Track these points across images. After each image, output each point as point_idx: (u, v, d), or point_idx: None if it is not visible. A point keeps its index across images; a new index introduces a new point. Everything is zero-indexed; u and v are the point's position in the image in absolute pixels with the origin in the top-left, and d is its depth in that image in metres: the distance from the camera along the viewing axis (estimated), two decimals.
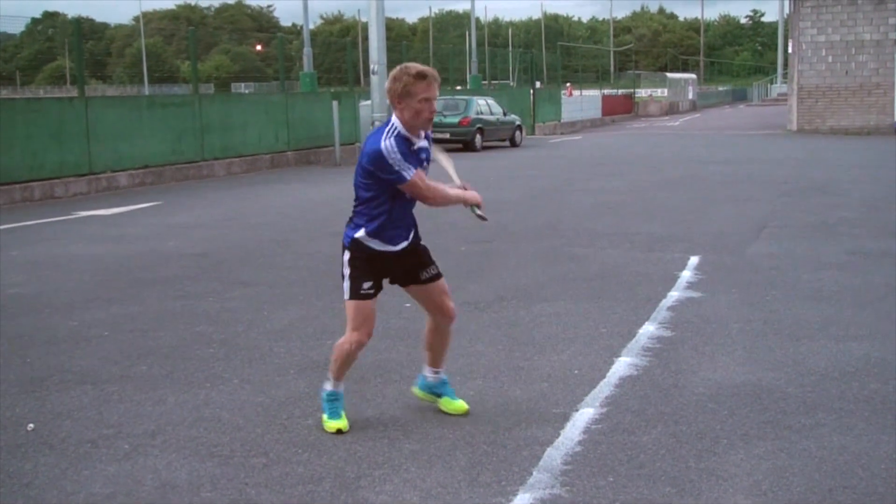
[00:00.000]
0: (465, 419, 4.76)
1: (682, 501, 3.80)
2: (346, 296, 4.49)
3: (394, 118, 4.35)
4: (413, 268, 4.63)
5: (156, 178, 17.97)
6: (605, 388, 5.26)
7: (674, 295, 7.56)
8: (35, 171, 15.60)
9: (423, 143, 4.47)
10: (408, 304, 7.07)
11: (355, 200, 4.48)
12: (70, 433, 4.66)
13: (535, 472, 4.09)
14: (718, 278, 8.19)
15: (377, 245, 4.45)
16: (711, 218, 12.01)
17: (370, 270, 4.47)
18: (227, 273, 8.79)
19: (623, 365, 5.68)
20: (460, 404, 4.85)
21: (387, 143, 4.25)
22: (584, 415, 4.82)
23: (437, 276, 4.71)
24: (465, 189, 4.64)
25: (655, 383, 5.33)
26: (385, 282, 4.63)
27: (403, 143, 4.31)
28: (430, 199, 4.42)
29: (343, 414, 4.65)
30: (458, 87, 36.32)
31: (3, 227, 12.21)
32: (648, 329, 6.50)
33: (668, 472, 4.09)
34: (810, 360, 5.75)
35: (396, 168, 4.25)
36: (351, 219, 4.51)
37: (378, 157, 4.25)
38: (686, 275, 8.35)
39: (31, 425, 4.77)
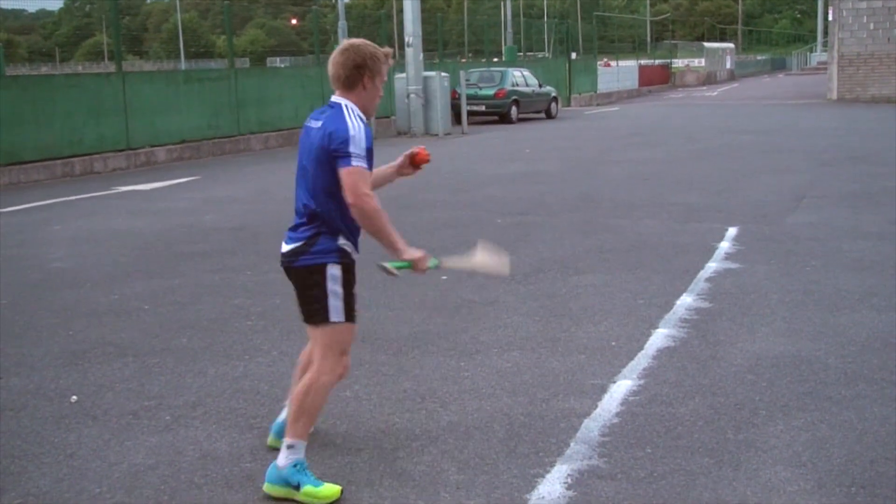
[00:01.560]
0: (503, 391, 4.77)
1: (721, 472, 3.79)
2: (339, 317, 3.71)
3: (344, 101, 3.74)
4: None
5: (193, 153, 18.08)
6: (642, 359, 5.24)
7: (712, 266, 7.50)
8: (75, 147, 15.75)
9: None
10: (444, 277, 7.09)
11: (314, 207, 3.75)
12: (112, 405, 4.73)
13: (572, 444, 4.10)
14: (757, 249, 8.12)
15: (353, 252, 3.79)
16: (750, 188, 11.89)
17: (353, 284, 3.80)
18: (263, 246, 8.84)
19: (660, 336, 5.66)
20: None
21: (355, 124, 3.64)
22: (622, 386, 4.81)
23: None
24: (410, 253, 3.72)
25: (693, 355, 5.30)
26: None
27: (366, 126, 3.71)
28: (364, 201, 3.56)
29: None
30: (495, 59, 36.12)
31: (45, 202, 12.36)
32: (686, 300, 6.47)
33: (707, 443, 4.08)
34: (851, 330, 5.70)
35: (351, 148, 3.58)
36: (317, 233, 3.74)
37: (344, 137, 3.59)
38: (724, 245, 8.29)
39: (75, 397, 4.84)
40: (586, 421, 4.35)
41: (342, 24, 28.12)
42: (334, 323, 3.70)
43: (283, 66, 48.96)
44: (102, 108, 16.31)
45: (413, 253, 3.71)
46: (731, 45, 73.62)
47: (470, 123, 23.68)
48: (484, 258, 4.04)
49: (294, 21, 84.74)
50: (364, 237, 3.75)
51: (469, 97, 24.12)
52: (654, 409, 4.49)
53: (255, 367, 5.28)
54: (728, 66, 65.18)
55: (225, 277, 7.56)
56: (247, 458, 4.04)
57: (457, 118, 23.29)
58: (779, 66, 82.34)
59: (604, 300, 6.56)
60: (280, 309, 6.48)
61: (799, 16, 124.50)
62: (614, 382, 4.88)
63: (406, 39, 21.69)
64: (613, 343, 5.56)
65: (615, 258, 7.93)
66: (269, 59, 66.08)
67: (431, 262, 3.81)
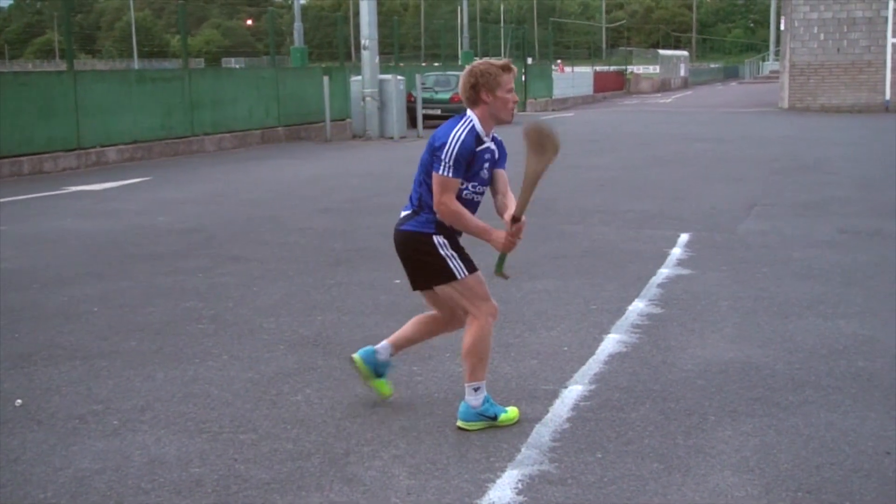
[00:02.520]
0: (456, 395, 4.76)
1: (670, 478, 3.82)
2: (462, 274, 4.27)
3: (470, 113, 4.26)
4: None
5: (145, 154, 17.88)
6: (594, 365, 5.27)
7: (664, 272, 7.57)
8: (24, 146, 15.51)
9: (490, 143, 4.37)
10: (397, 281, 7.07)
11: (418, 196, 4.34)
12: (58, 408, 4.65)
13: (523, 449, 4.10)
14: (709, 256, 8.20)
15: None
16: (702, 195, 12.02)
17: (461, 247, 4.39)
18: (217, 249, 8.77)
19: (612, 342, 5.69)
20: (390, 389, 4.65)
21: (457, 134, 4.17)
22: (573, 392, 4.83)
23: None
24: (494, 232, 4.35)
25: (644, 360, 5.34)
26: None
27: (473, 139, 4.21)
28: (442, 207, 4.20)
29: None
30: (447, 63, 36.18)
31: None
32: (638, 306, 6.51)
33: (657, 448, 4.11)
34: (799, 337, 5.77)
35: (443, 157, 4.12)
36: (416, 211, 4.34)
37: (441, 144, 4.15)
38: (676, 252, 8.36)
39: (20, 401, 4.76)
40: (537, 426, 4.36)
41: (298, 25, 28.00)
42: (461, 280, 4.26)
43: (238, 66, 48.66)
44: (53, 107, 16.08)
45: (496, 235, 4.33)
46: (686, 53, 74.47)
47: (425, 127, 23.67)
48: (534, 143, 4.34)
49: (249, 22, 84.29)
50: None
51: (425, 101, 24.13)
52: (605, 414, 4.52)
53: (206, 370, 5.23)
54: (682, 73, 65.91)
55: (176, 280, 7.48)
56: (196, 462, 4.00)
57: (412, 122, 23.30)
58: (732, 74, 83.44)
59: (557, 306, 6.58)
60: (232, 312, 6.43)
61: (752, 25, 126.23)
62: (566, 388, 4.89)
63: (362, 42, 21.64)
64: (566, 348, 5.59)
65: (569, 264, 7.97)
66: (224, 60, 65.65)
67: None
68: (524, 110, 34.50)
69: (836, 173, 14.17)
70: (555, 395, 4.79)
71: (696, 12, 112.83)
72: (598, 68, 52.21)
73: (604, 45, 70.00)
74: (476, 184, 4.36)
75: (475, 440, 4.20)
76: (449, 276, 4.27)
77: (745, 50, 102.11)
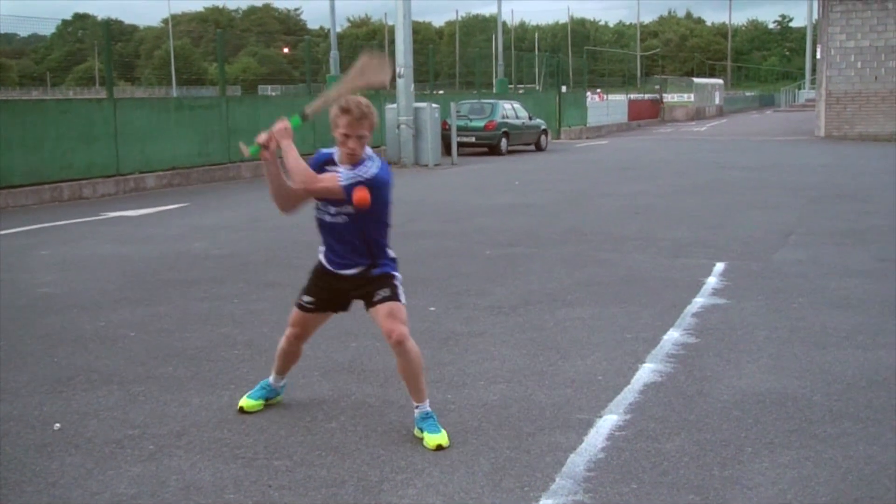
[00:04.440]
0: (489, 424, 4.76)
1: None
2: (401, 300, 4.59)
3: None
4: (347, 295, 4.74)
5: (183, 180, 18.08)
6: (629, 394, 5.24)
7: (699, 301, 7.52)
8: (64, 172, 15.74)
9: (341, 170, 4.48)
10: (433, 308, 7.09)
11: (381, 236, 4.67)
12: (96, 433, 4.69)
13: (557, 479, 4.08)
14: (744, 285, 8.14)
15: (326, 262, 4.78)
16: (738, 224, 11.95)
17: (319, 287, 4.78)
18: (252, 274, 8.83)
19: (647, 371, 5.66)
20: (440, 437, 4.48)
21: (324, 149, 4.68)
22: (608, 421, 4.80)
23: (384, 299, 4.52)
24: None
25: (680, 390, 5.31)
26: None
27: (327, 156, 4.66)
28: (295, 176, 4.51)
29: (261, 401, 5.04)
30: (484, 91, 36.31)
31: (32, 226, 12.33)
32: (673, 335, 6.47)
33: (692, 480, 4.07)
34: (837, 368, 5.71)
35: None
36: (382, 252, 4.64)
37: None
38: (712, 281, 8.31)
39: (58, 425, 4.81)
40: (572, 455, 4.34)
41: (334, 53, 28.29)
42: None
43: (274, 94, 49.08)
44: (93, 133, 16.32)
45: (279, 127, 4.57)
46: (720, 81, 74.16)
47: (460, 155, 23.77)
48: (364, 63, 4.61)
49: (286, 50, 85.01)
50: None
51: (459, 129, 24.22)
52: (640, 444, 4.49)
53: (241, 396, 5.25)
54: (717, 101, 65.63)
55: (212, 306, 7.54)
56: (230, 488, 4.02)
57: (447, 149, 23.38)
58: (767, 102, 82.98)
59: (591, 334, 6.56)
60: (267, 338, 6.46)
61: (788, 53, 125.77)
62: (600, 417, 4.87)
63: (397, 70, 21.79)
64: (600, 377, 5.56)
65: (603, 292, 7.95)
66: (260, 87, 66.23)
67: (293, 121, 4.66)
68: (558, 138, 34.52)
69: (874, 202, 14.03)
70: (589, 424, 4.77)
71: (731, 40, 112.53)
72: (632, 96, 52.15)
73: (638, 73, 69.92)
74: (327, 204, 4.56)
75: (509, 469, 4.19)
76: None
77: (781, 78, 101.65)
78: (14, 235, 11.60)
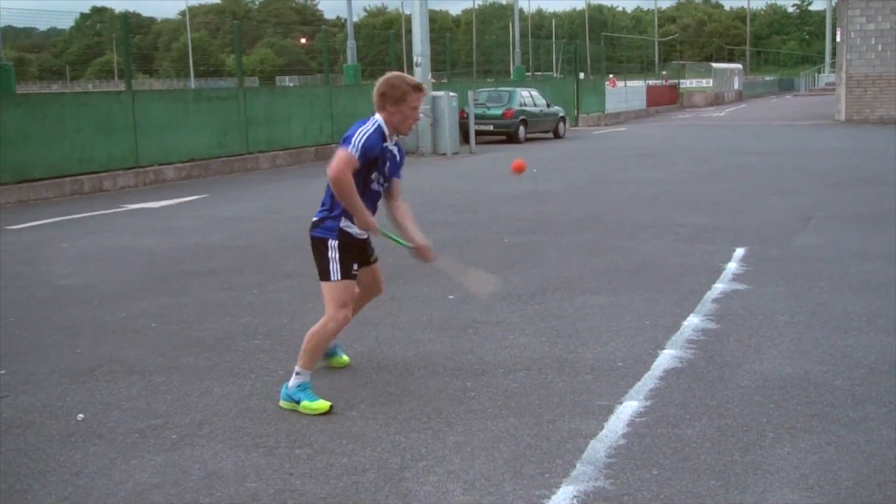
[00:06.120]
0: (509, 411, 4.76)
1: (728, 495, 3.78)
2: (335, 277, 4.86)
3: (378, 117, 4.86)
4: (367, 253, 5.23)
5: (202, 171, 18.14)
6: (649, 380, 5.23)
7: (719, 287, 7.49)
8: (84, 165, 15.82)
9: (391, 146, 4.96)
10: (451, 297, 7.09)
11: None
12: (118, 423, 4.73)
13: (578, 465, 4.08)
14: (764, 270, 8.11)
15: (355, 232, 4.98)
16: (757, 209, 11.89)
17: (352, 255, 4.98)
18: (271, 265, 8.86)
19: (667, 357, 5.65)
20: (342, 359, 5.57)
21: (364, 128, 4.78)
22: (629, 407, 4.80)
23: (375, 260, 5.31)
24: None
25: (700, 376, 5.29)
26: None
27: (379, 136, 4.81)
28: (339, 175, 4.67)
29: None
30: (497, 79, 36.22)
31: (53, 219, 12.41)
32: (693, 321, 6.46)
33: (713, 465, 4.06)
34: (858, 352, 5.68)
35: (353, 140, 4.69)
36: (324, 217, 5.00)
37: (351, 134, 4.74)
38: (731, 266, 8.28)
39: (81, 415, 4.85)
40: (592, 442, 4.34)
41: (351, 43, 28.28)
42: (332, 282, 4.87)
43: (291, 85, 49.18)
44: (112, 126, 16.40)
45: (369, 219, 4.84)
46: (740, 66, 73.71)
47: (478, 143, 23.73)
48: (477, 276, 5.30)
49: (303, 40, 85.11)
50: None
51: (477, 117, 24.17)
52: (661, 430, 4.48)
53: (262, 386, 5.28)
54: (736, 86, 65.26)
55: (232, 296, 7.57)
56: (252, 477, 4.04)
57: (465, 138, 23.35)
58: (787, 86, 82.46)
59: (610, 321, 6.55)
60: (287, 328, 6.49)
61: (807, 37, 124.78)
62: (621, 403, 4.87)
63: (415, 59, 21.77)
64: (620, 364, 5.55)
65: (622, 278, 7.93)
66: (278, 78, 66.36)
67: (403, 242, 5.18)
68: (576, 125, 34.42)
69: (894, 186, 13.92)
70: (610, 410, 4.76)
71: (750, 25, 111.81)
72: (650, 82, 51.89)
73: (657, 59, 69.56)
74: (380, 175, 4.92)
75: (530, 456, 4.19)
76: (325, 276, 4.89)
77: (801, 62, 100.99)
78: (35, 228, 11.68)
